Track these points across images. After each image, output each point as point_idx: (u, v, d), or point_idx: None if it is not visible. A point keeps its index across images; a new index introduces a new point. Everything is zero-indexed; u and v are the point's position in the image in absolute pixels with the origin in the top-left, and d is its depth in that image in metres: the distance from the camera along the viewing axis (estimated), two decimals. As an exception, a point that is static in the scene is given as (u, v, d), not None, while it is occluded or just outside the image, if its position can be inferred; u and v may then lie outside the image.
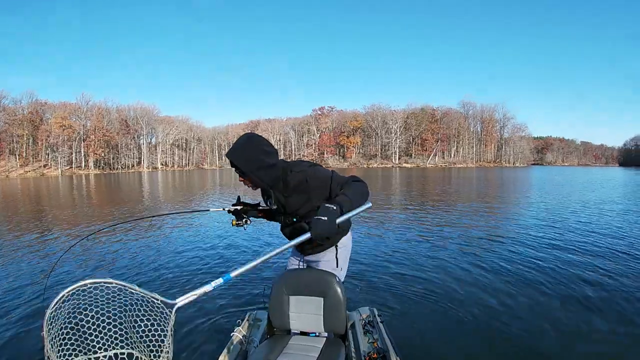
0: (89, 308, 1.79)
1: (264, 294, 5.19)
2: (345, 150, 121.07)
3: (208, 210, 3.73)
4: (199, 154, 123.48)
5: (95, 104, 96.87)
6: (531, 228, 10.90)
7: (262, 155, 2.58)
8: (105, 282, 1.77)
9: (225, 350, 2.84)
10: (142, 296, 1.85)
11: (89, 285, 1.75)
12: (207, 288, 2.03)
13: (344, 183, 2.50)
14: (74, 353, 1.80)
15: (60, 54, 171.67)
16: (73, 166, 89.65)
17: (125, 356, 1.89)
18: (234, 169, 2.63)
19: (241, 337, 3.04)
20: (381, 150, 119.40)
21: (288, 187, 2.70)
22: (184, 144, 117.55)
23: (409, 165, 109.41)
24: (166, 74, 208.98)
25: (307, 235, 2.18)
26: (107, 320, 1.85)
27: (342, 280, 2.91)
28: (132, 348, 1.92)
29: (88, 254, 8.27)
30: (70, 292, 1.73)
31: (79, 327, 1.81)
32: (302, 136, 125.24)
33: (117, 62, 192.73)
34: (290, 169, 2.66)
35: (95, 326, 1.84)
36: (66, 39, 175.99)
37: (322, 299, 2.74)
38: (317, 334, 2.80)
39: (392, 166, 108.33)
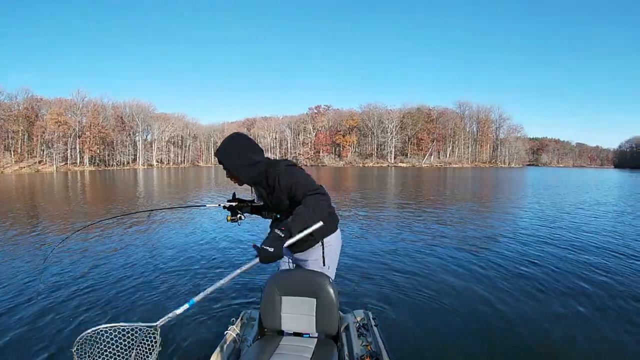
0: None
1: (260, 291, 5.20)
2: (341, 149, 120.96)
3: (205, 205, 3.87)
4: (195, 152, 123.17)
5: (91, 100, 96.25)
6: (526, 228, 10.97)
7: (245, 154, 2.72)
8: (91, 332, 1.94)
9: (218, 349, 2.85)
10: (126, 328, 2.00)
11: (82, 338, 1.92)
12: (184, 307, 2.18)
13: (308, 194, 2.54)
14: None
15: (56, 50, 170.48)
16: (68, 162, 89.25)
17: None
18: (221, 166, 2.75)
19: (235, 336, 3.04)
20: (377, 149, 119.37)
21: (269, 185, 2.80)
22: (179, 141, 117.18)
23: (404, 165, 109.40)
24: (162, 71, 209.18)
25: (256, 261, 2.33)
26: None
27: (332, 279, 2.94)
28: None
29: (85, 248, 8.31)
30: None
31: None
32: (299, 134, 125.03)
33: (113, 59, 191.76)
34: (270, 167, 2.76)
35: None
36: (62, 35, 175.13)
37: (314, 299, 2.75)
38: (308, 335, 2.81)
39: (388, 165, 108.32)
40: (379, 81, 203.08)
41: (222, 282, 2.33)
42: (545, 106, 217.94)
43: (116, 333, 1.96)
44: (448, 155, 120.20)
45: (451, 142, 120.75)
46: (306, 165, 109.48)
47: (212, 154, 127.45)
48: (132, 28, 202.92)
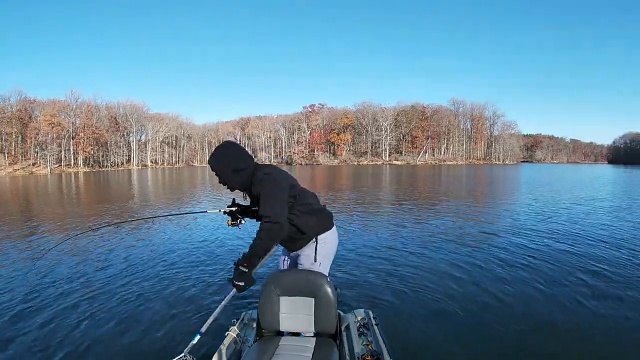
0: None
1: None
2: (336, 148, 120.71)
3: (205, 211, 3.96)
4: (189, 152, 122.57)
5: (85, 101, 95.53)
6: (524, 225, 11.09)
7: (234, 161, 2.92)
8: None
9: (219, 350, 2.86)
10: None
11: None
12: (197, 338, 2.60)
13: (264, 220, 2.78)
14: None
15: (49, 51, 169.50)
16: (62, 164, 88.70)
17: None
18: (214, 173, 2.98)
19: (235, 337, 3.06)
20: (371, 147, 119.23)
21: (251, 192, 3.04)
22: (173, 141, 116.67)
23: (399, 163, 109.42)
24: (156, 70, 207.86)
25: (234, 291, 2.77)
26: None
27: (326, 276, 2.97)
28: None
29: (83, 253, 8.28)
30: None
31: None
32: (293, 133, 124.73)
33: (106, 59, 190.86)
34: (255, 172, 2.97)
35: None
36: (55, 35, 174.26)
37: (312, 299, 2.78)
38: (307, 335, 2.83)
39: (383, 163, 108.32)
40: (372, 79, 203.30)
41: (215, 312, 2.79)
42: (540, 103, 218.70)
43: None
44: (442, 153, 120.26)
45: (445, 140, 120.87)
46: (301, 164, 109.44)
47: (207, 154, 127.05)
48: (125, 28, 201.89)
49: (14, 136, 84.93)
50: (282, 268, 3.36)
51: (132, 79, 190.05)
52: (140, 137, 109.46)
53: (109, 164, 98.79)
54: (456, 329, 4.51)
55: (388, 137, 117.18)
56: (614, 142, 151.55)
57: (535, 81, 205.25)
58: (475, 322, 4.66)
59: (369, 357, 2.82)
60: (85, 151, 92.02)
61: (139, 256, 7.92)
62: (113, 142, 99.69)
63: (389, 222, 12.10)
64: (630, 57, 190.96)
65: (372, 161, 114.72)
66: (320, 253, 3.10)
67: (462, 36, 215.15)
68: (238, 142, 3.17)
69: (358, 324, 3.30)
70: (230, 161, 2.93)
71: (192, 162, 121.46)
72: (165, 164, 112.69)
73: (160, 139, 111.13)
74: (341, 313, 3.39)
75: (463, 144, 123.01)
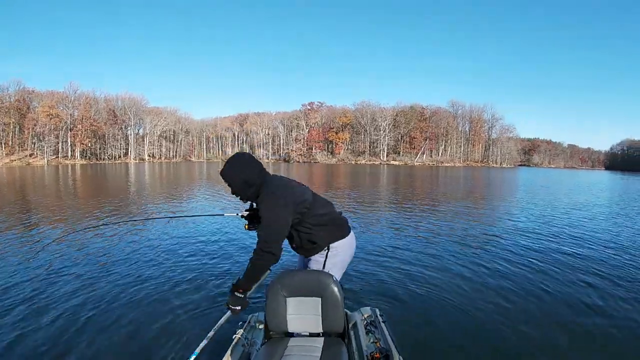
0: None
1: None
2: (334, 146, 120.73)
3: (222, 214, 4.00)
4: (187, 146, 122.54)
5: (83, 93, 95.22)
6: (525, 228, 11.17)
7: (244, 174, 2.98)
8: None
9: (227, 353, 2.87)
10: None
11: None
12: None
13: (259, 247, 2.87)
14: None
15: (49, 42, 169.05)
16: (59, 156, 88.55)
17: None
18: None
19: (243, 340, 3.06)
20: (370, 147, 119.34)
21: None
22: (171, 135, 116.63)
23: (396, 163, 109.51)
24: (155, 65, 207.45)
25: (229, 313, 3.00)
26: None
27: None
28: None
29: (88, 249, 8.19)
30: None
31: None
32: (291, 131, 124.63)
33: (107, 52, 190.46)
34: (260, 188, 3.04)
35: None
36: (55, 27, 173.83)
37: (319, 298, 2.77)
38: (315, 335, 2.80)
39: (380, 163, 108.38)
40: (372, 79, 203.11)
41: (210, 334, 2.97)
42: (538, 106, 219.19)
43: None
44: (440, 154, 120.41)
45: (444, 141, 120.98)
46: (298, 162, 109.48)
47: (204, 149, 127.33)
48: (125, 22, 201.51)
49: (11, 127, 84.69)
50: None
51: (132, 73, 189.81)
52: (138, 130, 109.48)
53: (106, 157, 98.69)
54: (462, 326, 4.55)
55: (386, 137, 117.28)
56: (611, 149, 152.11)
57: (534, 83, 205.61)
58: (482, 321, 4.70)
59: (378, 355, 2.82)
60: (83, 143, 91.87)
61: (145, 255, 7.76)
62: (111, 135, 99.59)
63: (391, 221, 12.14)
64: (630, 62, 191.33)
65: (370, 161, 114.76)
66: (331, 261, 3.11)
67: (462, 37, 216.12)
68: (249, 153, 3.22)
69: (365, 321, 3.31)
70: (241, 173, 2.99)
71: (190, 157, 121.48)
72: (163, 158, 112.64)
73: (158, 133, 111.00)
74: (348, 312, 3.39)
75: (461, 146, 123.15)
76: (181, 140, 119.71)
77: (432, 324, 4.57)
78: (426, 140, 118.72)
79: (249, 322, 3.35)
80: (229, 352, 2.86)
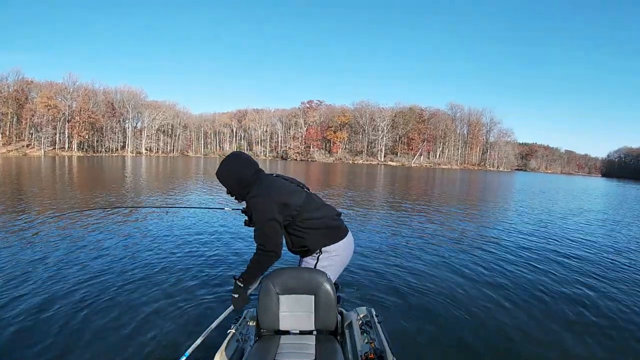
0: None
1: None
2: (332, 145, 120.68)
3: (223, 208, 4.04)
4: (185, 141, 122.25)
5: (82, 84, 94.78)
6: (522, 231, 11.26)
7: (238, 174, 3.02)
8: None
9: (221, 348, 2.87)
10: None
11: None
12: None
13: (258, 248, 2.95)
14: None
15: (49, 33, 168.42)
16: (56, 147, 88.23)
17: None
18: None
19: (238, 335, 3.06)
20: (367, 147, 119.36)
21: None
22: (169, 129, 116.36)
23: (394, 164, 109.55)
24: (155, 59, 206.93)
25: (231, 307, 3.08)
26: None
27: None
28: None
29: (82, 236, 8.23)
30: None
31: None
32: (289, 128, 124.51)
33: (107, 45, 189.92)
34: (251, 189, 3.06)
35: None
36: (55, 18, 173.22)
37: (312, 296, 2.78)
38: (307, 332, 2.81)
39: (378, 163, 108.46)
40: (372, 79, 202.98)
41: (209, 329, 3.00)
42: (536, 112, 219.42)
43: None
44: (438, 156, 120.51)
45: (441, 144, 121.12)
46: (296, 160, 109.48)
47: (202, 144, 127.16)
48: (126, 14, 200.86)
49: (9, 117, 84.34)
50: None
51: (131, 66, 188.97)
52: (137, 124, 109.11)
53: (103, 150, 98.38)
54: (457, 328, 4.58)
55: (384, 138, 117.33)
56: (608, 156, 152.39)
57: (533, 86, 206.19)
58: (477, 323, 4.75)
59: (372, 355, 2.82)
60: (80, 135, 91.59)
61: (138, 245, 7.83)
62: (108, 128, 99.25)
63: (389, 221, 12.16)
64: (630, 70, 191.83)
65: (367, 161, 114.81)
66: (321, 264, 3.09)
67: (462, 37, 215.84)
68: (244, 152, 3.23)
69: (360, 321, 3.30)
70: (236, 173, 3.03)
71: (187, 151, 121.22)
72: (160, 152, 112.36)
73: (156, 126, 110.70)
74: (344, 311, 3.39)
75: (459, 149, 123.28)
76: (179, 134, 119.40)
77: (428, 325, 4.59)
78: (424, 141, 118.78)
79: (244, 317, 3.35)
80: (222, 347, 2.86)
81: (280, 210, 2.93)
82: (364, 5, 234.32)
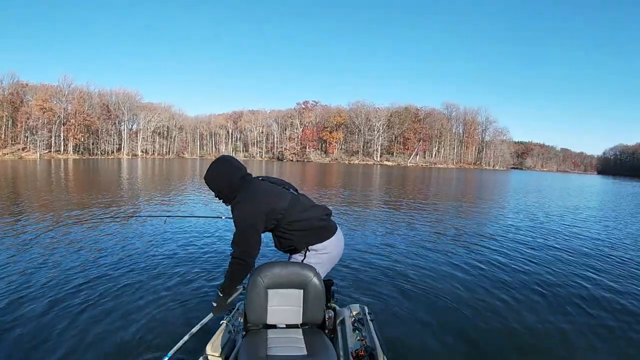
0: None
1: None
2: (328, 146, 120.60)
3: (220, 217, 4.06)
4: (180, 143, 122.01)
5: (77, 87, 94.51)
6: (518, 229, 11.31)
7: (225, 178, 3.07)
8: None
9: (213, 339, 2.92)
10: None
11: None
12: None
13: (233, 255, 2.99)
14: None
15: (44, 35, 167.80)
16: (52, 150, 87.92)
17: None
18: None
19: (230, 327, 3.10)
20: (363, 147, 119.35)
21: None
22: (165, 132, 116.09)
23: (390, 164, 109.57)
24: (150, 61, 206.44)
25: (209, 316, 3.15)
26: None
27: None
28: None
29: (80, 243, 8.16)
30: None
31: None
32: (285, 129, 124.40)
33: (102, 46, 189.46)
34: (237, 194, 3.08)
35: None
36: (55, 18, 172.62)
37: (301, 290, 2.79)
38: (294, 326, 2.83)
39: (374, 163, 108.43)
40: (367, 79, 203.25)
41: (189, 333, 3.10)
42: (532, 110, 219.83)
43: None
44: (434, 156, 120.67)
45: (437, 143, 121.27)
46: (292, 161, 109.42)
47: (198, 146, 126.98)
48: (122, 16, 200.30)
49: (4, 120, 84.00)
50: None
51: (130, 66, 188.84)
52: (132, 126, 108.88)
53: (98, 152, 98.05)
54: (449, 327, 4.57)
55: (380, 138, 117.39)
56: (604, 153, 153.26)
57: (529, 85, 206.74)
58: (469, 321, 4.75)
59: (363, 352, 2.86)
60: (76, 138, 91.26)
61: (136, 249, 7.71)
62: (104, 130, 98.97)
63: (384, 220, 12.19)
64: (626, 68, 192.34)
65: (363, 161, 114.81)
66: (309, 261, 3.11)
67: (462, 38, 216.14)
68: (232, 156, 3.25)
69: (353, 318, 3.32)
70: (222, 178, 3.08)
71: (183, 153, 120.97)
72: (156, 154, 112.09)
73: (152, 128, 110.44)
74: (337, 307, 3.42)
75: (454, 148, 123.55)
76: (175, 136, 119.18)
77: (421, 324, 4.59)
78: (420, 141, 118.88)
79: (237, 309, 3.38)
80: (214, 338, 2.92)
81: (266, 216, 2.98)
82: (364, 5, 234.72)
